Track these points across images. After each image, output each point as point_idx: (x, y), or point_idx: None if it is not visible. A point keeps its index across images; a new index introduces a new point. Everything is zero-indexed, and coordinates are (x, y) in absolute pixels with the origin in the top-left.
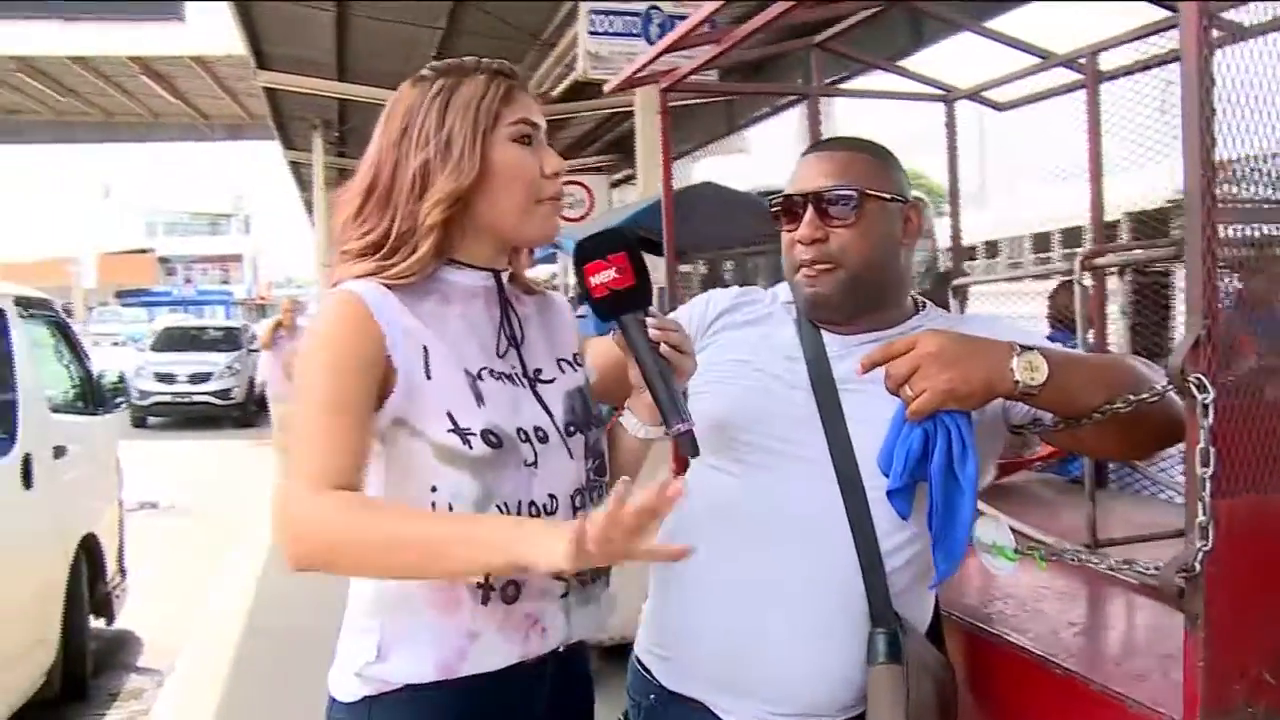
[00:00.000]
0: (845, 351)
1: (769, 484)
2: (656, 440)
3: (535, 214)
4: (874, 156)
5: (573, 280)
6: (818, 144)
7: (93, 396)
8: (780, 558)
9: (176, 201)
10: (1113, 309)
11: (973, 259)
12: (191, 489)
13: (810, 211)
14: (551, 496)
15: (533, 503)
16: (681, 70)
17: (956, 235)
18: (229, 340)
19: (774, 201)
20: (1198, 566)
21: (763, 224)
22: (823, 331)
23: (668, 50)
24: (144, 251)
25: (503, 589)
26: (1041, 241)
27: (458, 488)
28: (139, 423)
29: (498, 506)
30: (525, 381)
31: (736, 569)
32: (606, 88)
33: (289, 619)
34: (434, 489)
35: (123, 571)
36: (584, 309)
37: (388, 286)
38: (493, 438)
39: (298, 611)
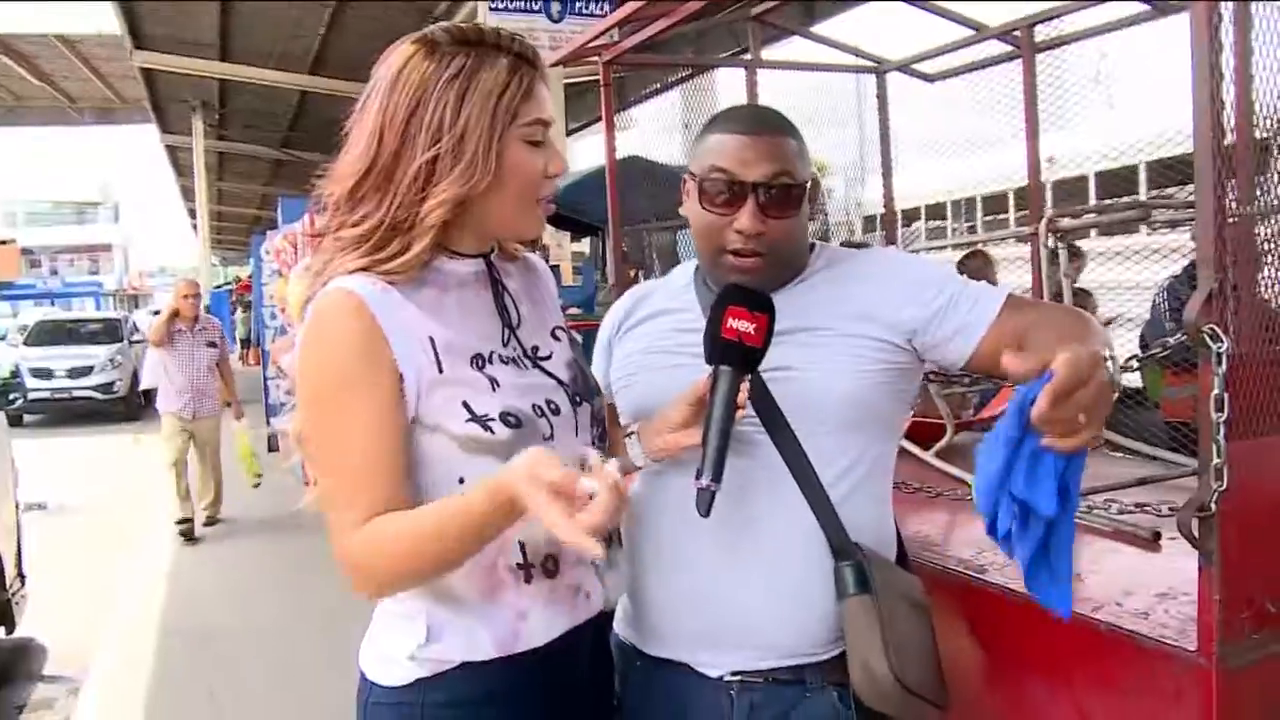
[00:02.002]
0: None
1: None
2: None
3: (531, 214)
4: (796, 139)
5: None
6: (749, 122)
7: None
8: (736, 513)
9: (39, 190)
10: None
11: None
12: (79, 488)
13: (752, 202)
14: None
15: None
16: (625, 44)
17: (889, 203)
18: (109, 332)
19: (709, 179)
20: (1213, 506)
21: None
22: None
23: (620, 24)
24: (4, 243)
25: (542, 564)
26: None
27: (485, 476)
28: (14, 421)
29: None
30: (528, 360)
31: (700, 532)
32: (550, 61)
33: (204, 617)
34: (461, 480)
35: (22, 577)
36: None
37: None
38: (511, 419)
39: (212, 609)
